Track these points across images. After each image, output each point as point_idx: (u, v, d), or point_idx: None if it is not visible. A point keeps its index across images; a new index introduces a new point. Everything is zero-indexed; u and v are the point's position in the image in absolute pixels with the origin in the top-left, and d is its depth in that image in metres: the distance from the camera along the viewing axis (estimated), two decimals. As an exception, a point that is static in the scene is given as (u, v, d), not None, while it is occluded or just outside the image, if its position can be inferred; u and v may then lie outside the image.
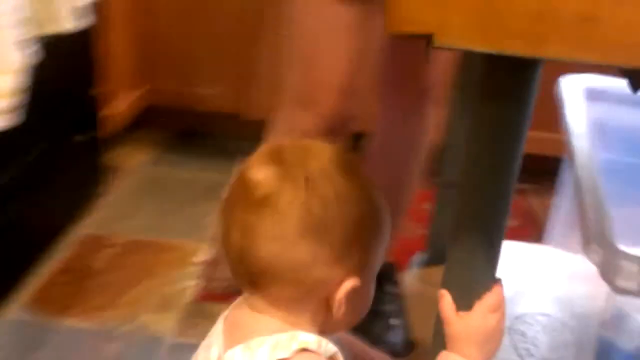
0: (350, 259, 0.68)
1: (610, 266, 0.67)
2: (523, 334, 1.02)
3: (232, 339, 0.70)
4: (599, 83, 1.11)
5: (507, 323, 1.03)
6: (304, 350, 0.66)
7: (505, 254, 0.67)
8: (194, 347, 0.82)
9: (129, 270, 1.62)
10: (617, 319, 0.81)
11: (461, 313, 0.68)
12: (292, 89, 1.16)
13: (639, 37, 0.43)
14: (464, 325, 0.68)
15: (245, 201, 0.68)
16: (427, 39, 0.47)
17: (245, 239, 0.67)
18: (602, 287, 0.88)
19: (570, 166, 1.04)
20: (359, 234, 0.68)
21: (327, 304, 0.69)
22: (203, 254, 1.69)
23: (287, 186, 0.66)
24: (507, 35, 0.46)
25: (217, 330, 0.73)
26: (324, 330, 0.70)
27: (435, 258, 1.18)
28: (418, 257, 1.20)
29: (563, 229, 1.19)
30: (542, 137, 1.91)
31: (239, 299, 0.75)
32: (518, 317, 1.05)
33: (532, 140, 0.66)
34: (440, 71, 1.29)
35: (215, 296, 1.56)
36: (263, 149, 0.71)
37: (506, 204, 0.60)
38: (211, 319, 1.45)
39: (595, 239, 0.69)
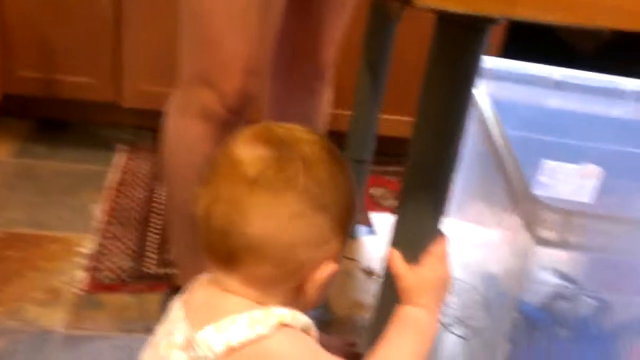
0: (334, 243, 0.69)
1: (534, 218, 0.73)
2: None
3: (200, 321, 0.68)
4: (487, 63, 1.19)
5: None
6: (283, 325, 0.66)
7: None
8: (87, 339, 0.78)
9: (10, 264, 1.52)
10: (522, 276, 0.87)
11: (412, 267, 0.70)
12: (194, 67, 1.12)
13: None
14: (416, 278, 0.70)
15: (234, 178, 0.67)
16: (405, 1, 0.48)
17: (234, 215, 0.66)
18: (503, 251, 0.94)
19: (478, 138, 1.10)
20: (345, 218, 0.69)
21: (300, 288, 0.69)
22: (89, 243, 1.62)
23: (284, 167, 0.66)
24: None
25: (178, 317, 0.71)
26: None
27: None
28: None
29: (459, 203, 1.25)
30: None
31: (200, 282, 0.74)
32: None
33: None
34: (334, 52, 1.31)
35: (105, 286, 1.50)
36: (249, 129, 0.70)
37: (454, 160, 0.63)
38: (102, 310, 1.41)
39: (520, 195, 0.74)
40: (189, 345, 0.67)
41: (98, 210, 1.76)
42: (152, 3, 1.93)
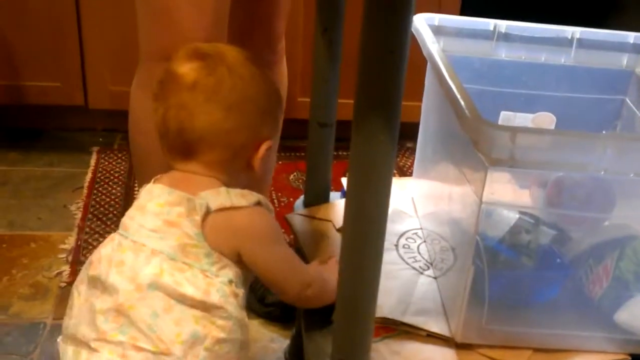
0: (265, 126, 0.89)
1: (485, 139, 0.78)
2: (408, 247, 1.12)
3: (192, 191, 0.85)
4: (438, 20, 1.24)
5: (393, 240, 1.13)
6: (260, 204, 0.87)
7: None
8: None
9: (-7, 263, 1.54)
10: (484, 216, 0.91)
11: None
12: (153, 43, 1.13)
13: None
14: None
15: (177, 88, 0.85)
16: None
17: (183, 115, 0.85)
18: (462, 193, 0.99)
19: (435, 95, 1.15)
20: (270, 106, 0.90)
21: (249, 164, 0.89)
22: (70, 240, 1.65)
23: (213, 72, 0.85)
24: None
25: (159, 190, 0.87)
26: (250, 189, 0.89)
27: (316, 198, 1.25)
28: (300, 201, 1.26)
29: (424, 163, 1.30)
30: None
31: (161, 176, 0.90)
32: (401, 235, 1.15)
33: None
34: (284, 23, 1.34)
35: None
36: (182, 51, 0.88)
37: (400, 84, 0.68)
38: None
39: (470, 117, 0.79)
40: (181, 202, 0.84)
41: (75, 209, 1.78)
42: (111, 1, 1.95)
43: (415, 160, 1.34)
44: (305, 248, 1.13)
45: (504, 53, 1.23)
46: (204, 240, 0.83)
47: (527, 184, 1.08)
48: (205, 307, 0.81)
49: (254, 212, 0.86)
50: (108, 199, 1.85)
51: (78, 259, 1.58)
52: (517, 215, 0.99)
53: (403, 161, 2.19)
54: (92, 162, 2.03)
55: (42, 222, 1.72)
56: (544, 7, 2.03)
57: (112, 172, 1.99)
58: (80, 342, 0.81)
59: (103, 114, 2.14)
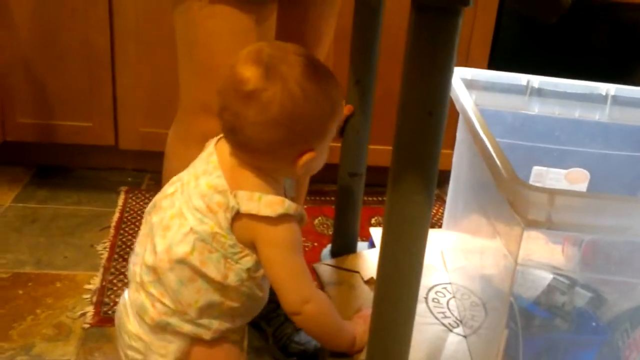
0: (311, 140, 0.93)
1: (520, 199, 0.76)
2: (437, 301, 1.10)
3: (234, 182, 0.94)
4: (471, 74, 1.24)
5: (422, 293, 1.11)
6: (287, 215, 0.92)
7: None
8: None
9: (18, 302, 1.54)
10: (517, 276, 0.89)
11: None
12: (194, 95, 1.16)
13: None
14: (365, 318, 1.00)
15: (235, 92, 0.90)
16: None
17: (235, 121, 0.91)
18: (495, 249, 0.97)
19: (467, 148, 1.15)
20: (317, 126, 0.92)
21: (291, 167, 0.94)
22: (95, 280, 1.65)
23: (269, 87, 0.89)
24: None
25: (213, 162, 0.96)
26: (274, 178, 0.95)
27: (344, 248, 1.24)
28: (327, 250, 1.25)
29: (454, 214, 1.29)
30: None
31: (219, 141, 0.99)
32: (430, 288, 1.13)
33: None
34: (321, 57, 1.35)
35: (112, 319, 1.51)
36: (250, 50, 0.92)
37: (439, 135, 0.67)
38: (110, 342, 1.43)
39: (506, 181, 0.78)
40: (224, 193, 0.92)
41: (102, 249, 1.79)
42: (145, 44, 1.99)
43: (445, 212, 1.32)
44: (332, 299, 1.11)
45: (537, 108, 1.22)
46: (231, 234, 0.93)
47: (560, 239, 1.06)
48: (222, 286, 0.95)
49: (277, 224, 0.93)
50: (134, 240, 1.85)
51: (102, 300, 1.58)
52: (552, 276, 0.97)
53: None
54: (120, 201, 2.04)
55: (69, 261, 1.72)
56: (574, 62, 2.02)
57: (139, 212, 2.00)
58: (134, 275, 1.00)
59: (132, 154, 2.16)
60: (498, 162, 0.81)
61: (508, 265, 0.87)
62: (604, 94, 1.21)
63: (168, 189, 1.01)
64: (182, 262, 0.94)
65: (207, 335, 0.97)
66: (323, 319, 0.98)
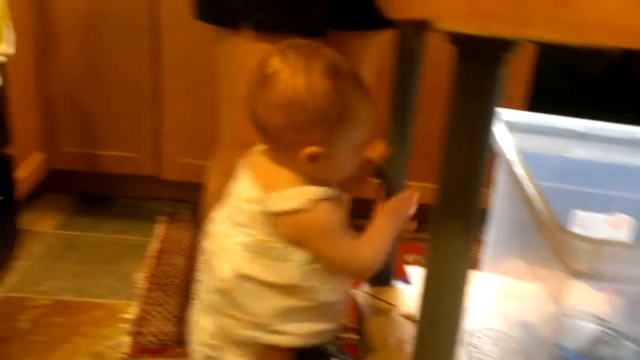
0: (312, 135, 0.92)
1: (566, 249, 0.75)
2: (475, 347, 1.08)
3: (266, 186, 0.96)
4: (512, 116, 1.23)
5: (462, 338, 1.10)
6: (320, 200, 0.93)
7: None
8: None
9: (56, 329, 1.56)
10: (559, 317, 0.88)
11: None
12: (234, 130, 1.17)
13: (607, 17, 0.52)
14: (385, 205, 1.04)
15: (258, 76, 0.94)
16: (423, 25, 0.54)
17: (253, 103, 0.95)
18: (538, 297, 0.96)
19: (507, 190, 1.13)
20: (321, 121, 0.91)
21: (297, 158, 0.94)
22: (132, 310, 1.66)
23: (282, 71, 0.91)
24: (492, 19, 0.54)
25: (247, 178, 0.99)
26: (320, 182, 0.95)
27: (379, 280, 1.24)
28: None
29: (493, 256, 1.28)
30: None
31: (255, 152, 1.01)
32: (469, 332, 1.12)
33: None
34: None
35: (148, 350, 1.53)
36: (285, 45, 0.94)
37: (480, 184, 0.67)
38: (148, 372, 1.43)
39: (551, 230, 0.77)
40: (259, 201, 0.95)
41: (140, 278, 1.81)
42: (189, 77, 2.03)
43: (484, 253, 1.31)
44: (368, 326, 1.11)
45: (579, 152, 1.20)
46: (277, 236, 0.95)
47: (606, 288, 1.04)
48: (290, 288, 0.96)
49: (312, 212, 0.93)
50: (171, 270, 1.87)
51: (139, 330, 1.59)
52: (597, 327, 0.95)
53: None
54: (159, 231, 2.07)
55: (107, 290, 1.75)
56: (613, 104, 2.00)
57: (177, 242, 2.02)
58: (208, 303, 1.03)
59: (172, 184, 2.19)
60: (542, 210, 0.80)
61: (552, 314, 0.85)
62: (647, 139, 1.19)
63: (217, 215, 1.04)
64: (243, 277, 0.97)
65: (295, 340, 0.99)
66: (380, 256, 1.01)
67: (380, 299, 1.18)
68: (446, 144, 0.68)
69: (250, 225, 0.96)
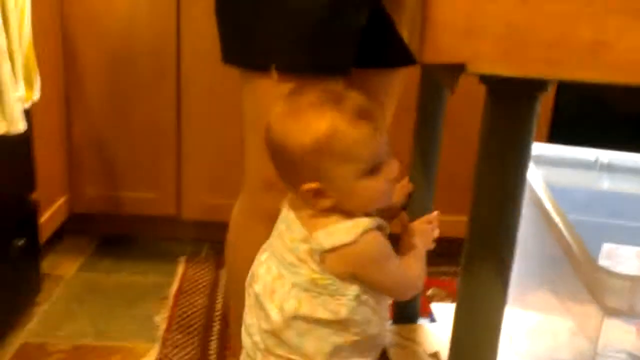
0: (300, 174, 0.94)
1: (600, 286, 0.74)
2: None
3: (312, 227, 0.96)
4: (537, 149, 1.22)
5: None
6: (366, 231, 0.94)
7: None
8: None
9: (78, 374, 1.55)
10: (594, 354, 0.86)
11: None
12: (260, 172, 1.16)
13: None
14: (411, 226, 1.08)
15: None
16: (459, 69, 0.54)
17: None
18: (571, 333, 0.94)
19: (534, 224, 1.12)
20: (298, 159, 0.93)
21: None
22: (153, 352, 1.65)
23: (310, 134, 0.92)
24: (529, 61, 0.54)
25: (292, 219, 0.99)
26: (353, 213, 0.96)
27: (403, 318, 1.22)
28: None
29: (520, 291, 1.25)
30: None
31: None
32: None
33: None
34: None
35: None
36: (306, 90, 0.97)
37: (515, 231, 0.66)
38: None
39: (584, 267, 0.76)
40: (307, 240, 0.96)
41: (160, 320, 1.80)
42: (210, 118, 2.04)
43: (511, 287, 1.29)
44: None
45: (607, 184, 1.19)
46: (327, 273, 0.96)
47: (634, 322, 1.02)
48: (343, 323, 0.97)
49: (360, 244, 0.94)
50: (192, 311, 1.86)
51: (161, 372, 1.58)
52: (630, 361, 0.93)
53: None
54: (179, 271, 2.06)
55: (127, 332, 1.73)
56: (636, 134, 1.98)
57: (197, 282, 2.01)
58: (255, 345, 1.03)
59: (192, 224, 2.19)
60: (574, 247, 0.79)
61: (586, 352, 0.83)
62: (676, 169, 1.18)
63: (261, 256, 1.05)
64: (295, 317, 0.97)
65: None
66: (424, 274, 1.04)
67: (404, 337, 1.16)
68: (478, 178, 0.67)
69: (299, 264, 0.97)
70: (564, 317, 0.95)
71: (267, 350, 1.01)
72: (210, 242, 2.21)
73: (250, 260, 1.07)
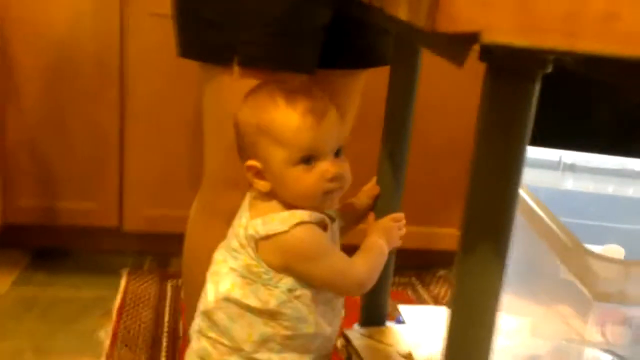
0: (247, 150, 0.98)
1: (590, 271, 0.73)
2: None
3: (255, 215, 0.98)
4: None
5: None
6: (301, 223, 0.94)
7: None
8: None
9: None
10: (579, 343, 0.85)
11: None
12: (221, 171, 1.13)
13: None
14: (376, 224, 1.09)
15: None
16: (472, 38, 0.51)
17: None
18: (552, 337, 0.93)
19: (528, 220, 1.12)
20: (242, 137, 0.99)
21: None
22: (99, 369, 1.56)
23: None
24: (542, 32, 0.52)
25: (245, 208, 1.00)
26: (294, 205, 0.96)
27: (371, 320, 1.20)
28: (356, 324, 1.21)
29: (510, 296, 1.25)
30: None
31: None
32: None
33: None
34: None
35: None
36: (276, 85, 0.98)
37: (512, 213, 0.64)
38: None
39: (573, 252, 0.75)
40: (247, 226, 0.96)
41: (104, 335, 1.71)
42: (155, 127, 1.97)
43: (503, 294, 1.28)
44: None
45: (571, 184, 1.20)
46: (261, 261, 0.96)
47: (600, 320, 1.02)
48: (269, 313, 0.97)
49: (295, 234, 0.94)
50: (137, 324, 1.77)
51: (108, 389, 1.49)
52: (610, 357, 0.92)
53: (437, 289, 2.12)
54: (122, 284, 1.97)
55: (70, 349, 1.63)
56: (605, 137, 2.02)
57: (142, 295, 1.92)
58: (194, 329, 1.04)
59: (133, 236, 2.10)
60: (561, 235, 0.78)
61: (575, 347, 0.82)
62: (637, 169, 1.20)
63: (222, 243, 1.04)
64: (226, 299, 0.98)
65: None
66: (375, 272, 1.02)
67: (375, 339, 1.14)
68: (475, 165, 0.65)
69: (240, 250, 0.97)
70: (552, 322, 0.94)
71: (200, 332, 1.02)
72: (154, 255, 2.13)
73: (208, 259, 1.04)
